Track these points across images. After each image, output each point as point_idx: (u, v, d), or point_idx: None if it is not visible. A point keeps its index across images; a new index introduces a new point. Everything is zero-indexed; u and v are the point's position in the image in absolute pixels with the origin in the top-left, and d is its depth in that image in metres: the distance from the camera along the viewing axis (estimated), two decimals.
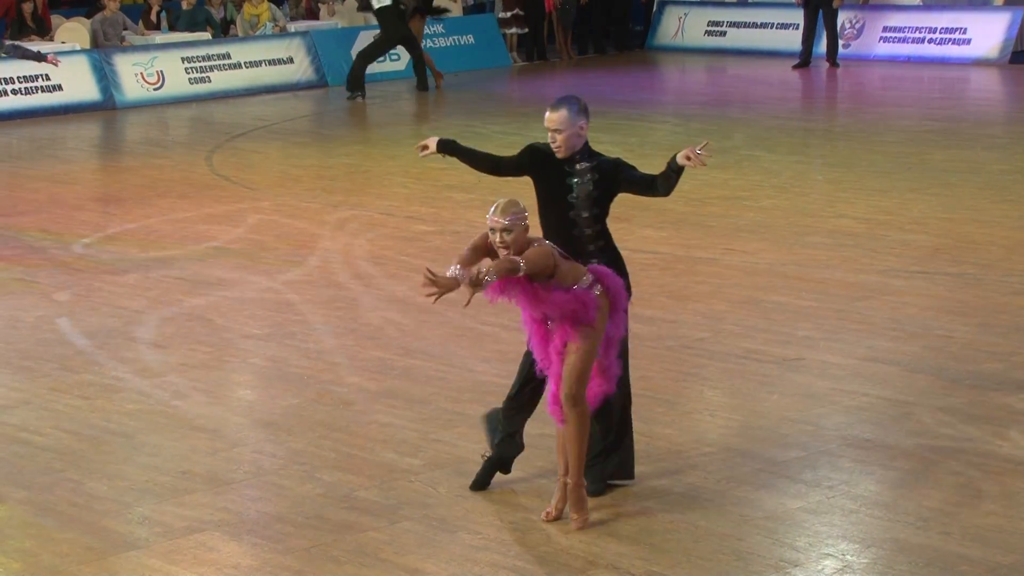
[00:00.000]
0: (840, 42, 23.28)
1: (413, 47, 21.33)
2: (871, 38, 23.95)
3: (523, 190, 7.15)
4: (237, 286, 10.73)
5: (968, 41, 23.10)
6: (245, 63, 21.75)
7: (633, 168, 6.85)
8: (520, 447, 6.91)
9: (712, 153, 6.82)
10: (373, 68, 21.57)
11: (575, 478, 6.42)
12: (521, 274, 6.20)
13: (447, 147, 7.07)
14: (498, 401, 7.26)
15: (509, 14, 24.82)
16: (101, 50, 20.90)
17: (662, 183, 6.71)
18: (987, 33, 23.06)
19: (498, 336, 9.36)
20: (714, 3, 26.03)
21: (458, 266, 6.20)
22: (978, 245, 11.46)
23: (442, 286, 6.09)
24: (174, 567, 6.09)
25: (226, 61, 21.62)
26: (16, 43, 13.55)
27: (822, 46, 23.06)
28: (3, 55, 13.44)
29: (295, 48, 22.32)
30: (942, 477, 6.93)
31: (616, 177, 6.79)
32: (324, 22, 23.89)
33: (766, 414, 7.88)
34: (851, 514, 6.56)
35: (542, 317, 6.48)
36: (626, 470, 6.90)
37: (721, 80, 23.35)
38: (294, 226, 12.71)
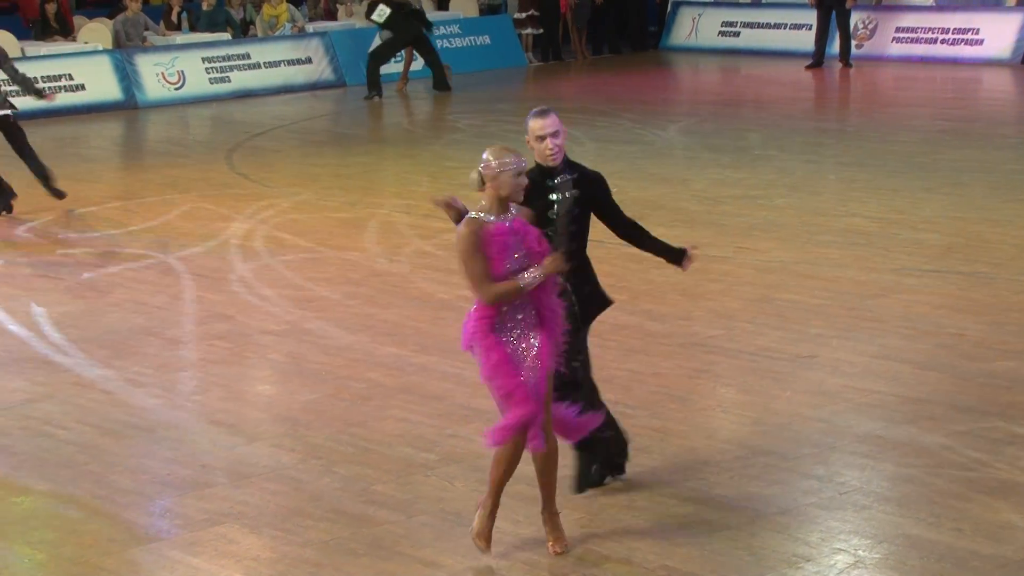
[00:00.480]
0: (853, 42, 23.23)
1: (425, 47, 21.31)
2: (884, 38, 23.89)
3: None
4: (255, 284, 10.76)
5: (981, 42, 23.04)
6: (264, 63, 21.80)
7: (612, 201, 6.59)
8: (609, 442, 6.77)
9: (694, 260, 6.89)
10: (388, 68, 21.58)
11: (550, 507, 6.19)
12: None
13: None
14: None
15: (524, 15, 24.82)
16: (123, 50, 20.95)
17: (652, 248, 6.76)
18: (999, 34, 22.99)
19: None
20: (728, 4, 25.99)
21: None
22: (990, 244, 11.43)
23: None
24: (195, 559, 6.12)
25: (245, 61, 21.67)
26: (26, 75, 13.62)
27: (835, 46, 23.01)
28: (12, 84, 13.60)
29: (313, 48, 22.35)
30: (954, 473, 6.92)
31: (596, 192, 6.47)
32: (342, 22, 23.92)
33: (779, 411, 7.88)
34: (863, 510, 6.55)
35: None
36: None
37: (735, 80, 23.32)
38: (311, 224, 12.73)
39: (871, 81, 22.06)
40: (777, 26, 25.07)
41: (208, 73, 21.24)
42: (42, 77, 19.70)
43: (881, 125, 17.66)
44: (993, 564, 5.96)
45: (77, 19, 22.23)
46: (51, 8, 21.34)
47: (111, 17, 21.95)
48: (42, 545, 6.42)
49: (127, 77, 20.50)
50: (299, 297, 10.36)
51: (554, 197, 6.38)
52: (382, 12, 20.68)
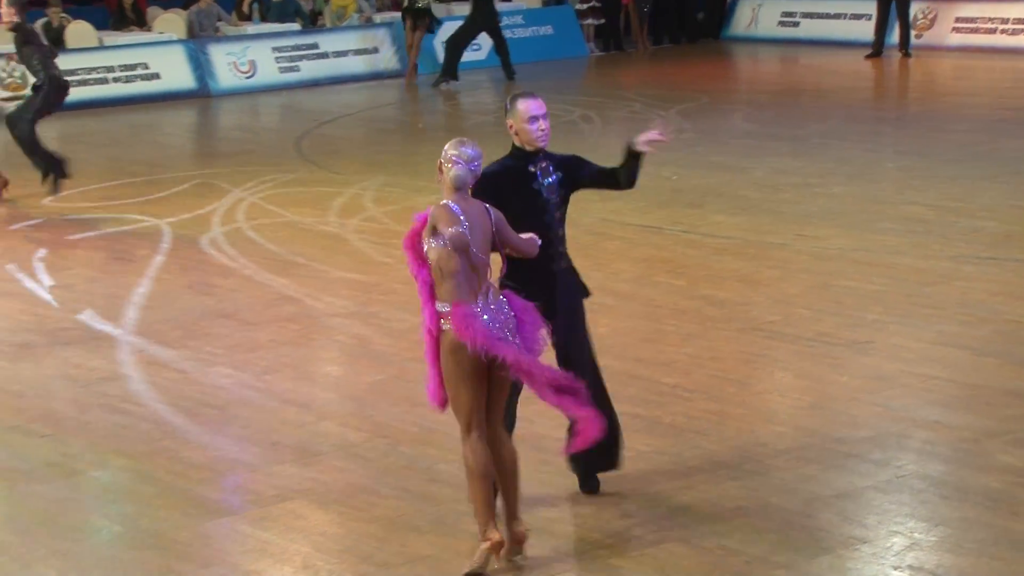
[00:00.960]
0: (912, 32, 22.98)
1: (498, 37, 21.34)
2: (943, 28, 23.61)
3: None
4: (324, 267, 10.82)
5: None
6: (332, 52, 21.88)
7: (591, 162, 6.40)
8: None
9: (673, 131, 6.54)
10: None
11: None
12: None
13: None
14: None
15: (586, 5, 24.75)
16: (196, 40, 21.11)
17: (624, 174, 6.32)
18: None
19: None
20: None
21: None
22: None
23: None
24: (264, 533, 6.18)
25: (314, 51, 21.76)
26: (44, 71, 13.37)
27: (894, 36, 22.77)
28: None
29: (380, 38, 22.40)
30: (1009, 458, 6.85)
31: (579, 172, 6.32)
32: None
33: (836, 395, 7.83)
34: (919, 493, 6.50)
35: None
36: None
37: (794, 69, 23.14)
38: (376, 209, 12.78)
39: (930, 70, 21.81)
40: (837, 16, 24.83)
41: (278, 63, 21.35)
42: (119, 66, 19.93)
43: (940, 114, 17.46)
44: None
45: (152, 10, 22.40)
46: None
47: (185, 8, 22.12)
48: (119, 518, 6.51)
49: (200, 66, 20.65)
50: (366, 282, 10.41)
51: (540, 182, 6.20)
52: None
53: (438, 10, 22.27)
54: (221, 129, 19.10)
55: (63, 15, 20.42)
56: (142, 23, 21.67)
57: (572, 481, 6.71)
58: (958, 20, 23.57)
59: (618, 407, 7.61)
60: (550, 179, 6.26)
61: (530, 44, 23.67)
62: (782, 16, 25.59)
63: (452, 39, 21.22)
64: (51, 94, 13.24)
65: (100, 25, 21.25)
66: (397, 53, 22.39)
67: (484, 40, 22.27)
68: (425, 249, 5.69)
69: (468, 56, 22.04)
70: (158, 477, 6.89)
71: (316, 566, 5.90)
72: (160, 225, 12.33)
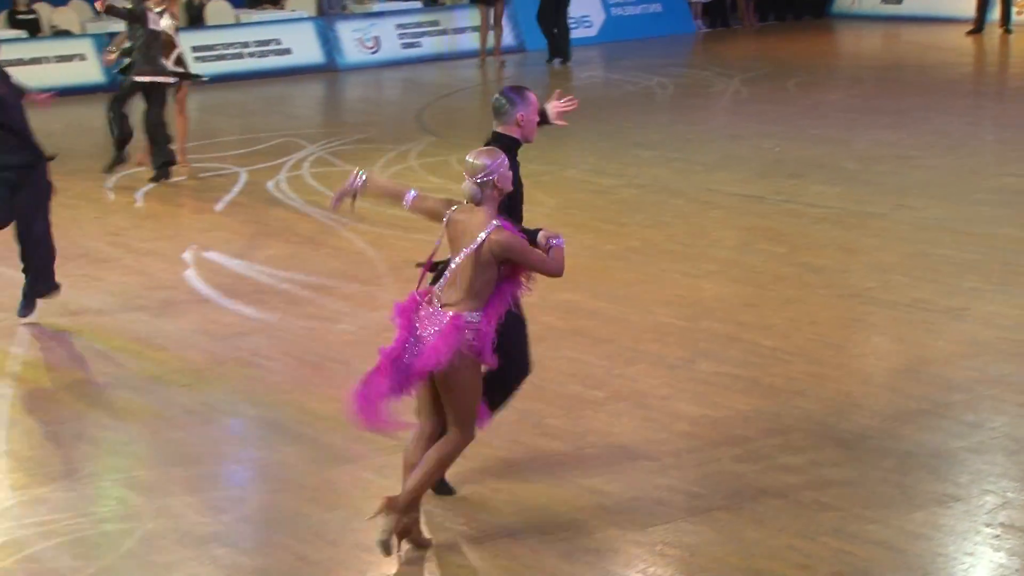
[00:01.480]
0: (1013, 9, 22.38)
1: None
2: None
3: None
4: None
5: None
6: (452, 29, 21.92)
7: None
8: None
9: (573, 100, 6.29)
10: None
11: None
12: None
13: None
14: (678, 342, 7.21)
15: None
16: (325, 17, 21.29)
17: None
18: None
19: (678, 282, 9.33)
20: None
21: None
22: None
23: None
24: (386, 480, 6.25)
25: (435, 28, 21.82)
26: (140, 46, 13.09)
27: (995, 13, 22.20)
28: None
29: (496, 15, 22.34)
30: None
31: None
32: None
33: (931, 359, 7.71)
34: (1012, 455, 6.38)
35: None
36: None
37: (896, 46, 22.69)
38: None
39: None
40: None
41: (401, 39, 21.46)
42: (253, 42, 20.18)
43: None
44: None
45: None
46: None
47: None
48: (251, 463, 6.64)
49: (329, 42, 20.82)
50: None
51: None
52: None
53: None
54: (347, 101, 19.25)
55: None
56: (275, 1, 21.90)
57: (679, 435, 6.70)
58: None
59: (719, 368, 7.61)
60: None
61: (639, 21, 23.49)
62: None
63: (539, 18, 20.96)
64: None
65: (237, 3, 21.53)
66: (513, 30, 22.34)
67: (596, 16, 22.11)
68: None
69: (578, 32, 21.94)
70: (287, 426, 7.00)
71: (432, 512, 5.96)
72: (294, 193, 12.46)
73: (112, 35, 14.74)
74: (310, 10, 21.57)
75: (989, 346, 7.85)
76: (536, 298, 9.00)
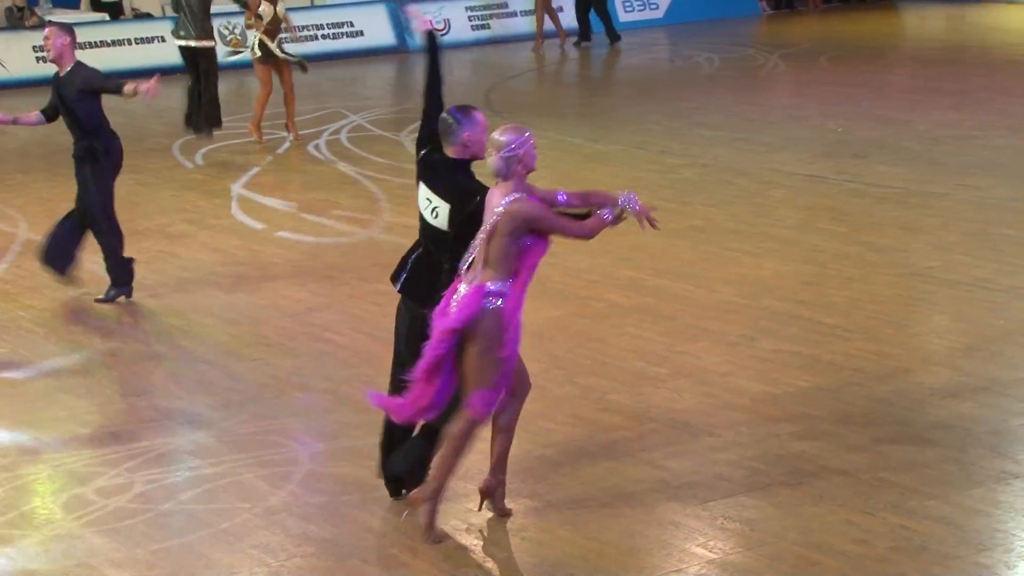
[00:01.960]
0: None
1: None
2: None
3: None
4: None
5: None
6: (520, 12, 21.84)
7: None
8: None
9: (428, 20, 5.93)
10: (631, 16, 21.29)
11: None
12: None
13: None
14: (739, 319, 7.12)
15: None
16: (397, 0, 21.29)
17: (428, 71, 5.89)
18: None
19: (739, 260, 9.24)
20: None
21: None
22: None
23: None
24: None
25: (503, 11, 21.74)
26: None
27: None
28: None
29: None
30: None
31: None
32: None
33: (992, 337, 7.57)
34: None
35: None
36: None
37: (960, 27, 22.30)
38: (557, 157, 12.75)
39: None
40: None
41: (470, 21, 21.42)
42: (327, 24, 20.24)
43: None
44: None
45: None
46: None
47: None
48: (320, 435, 6.66)
49: (400, 24, 20.83)
50: None
51: None
52: None
53: None
54: (418, 83, 19.22)
55: None
56: None
57: (739, 411, 6.64)
58: None
59: (780, 345, 7.53)
60: None
61: (705, 3, 23.25)
62: None
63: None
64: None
65: None
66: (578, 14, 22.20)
67: None
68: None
69: (645, 14, 21.78)
70: (355, 400, 7.01)
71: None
72: (364, 170, 12.49)
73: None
74: None
75: None
76: (599, 275, 9.02)
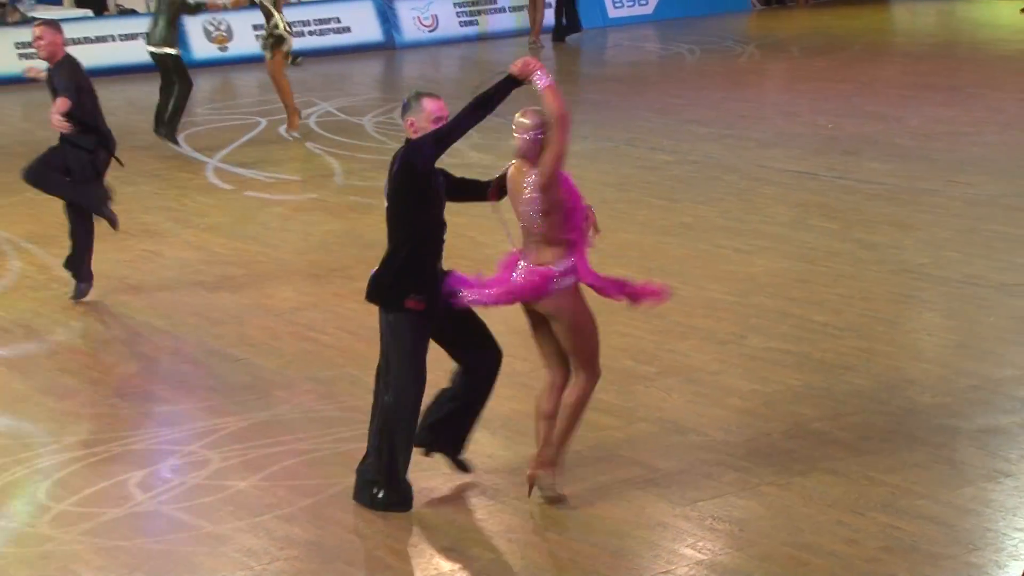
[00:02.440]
0: None
1: None
2: None
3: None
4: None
5: None
6: (509, 7, 21.80)
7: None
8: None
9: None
10: (620, 12, 21.29)
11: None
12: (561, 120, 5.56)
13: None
14: (729, 317, 7.10)
15: None
16: None
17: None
18: None
19: (729, 257, 9.22)
20: None
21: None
22: None
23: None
24: (436, 454, 6.21)
25: (492, 6, 21.71)
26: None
27: None
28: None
29: None
30: None
31: (447, 179, 5.94)
32: None
33: (983, 335, 7.57)
34: None
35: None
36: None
37: (950, 23, 22.32)
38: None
39: None
40: None
41: (459, 17, 21.38)
42: (313, 20, 20.18)
43: None
44: None
45: None
46: None
47: None
48: (306, 437, 6.61)
49: (387, 20, 20.79)
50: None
51: (437, 178, 5.82)
52: None
53: None
54: (405, 79, 19.20)
55: None
56: None
57: (729, 410, 6.62)
58: None
59: (770, 343, 7.51)
60: (440, 177, 5.81)
61: None
62: None
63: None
64: None
65: None
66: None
67: None
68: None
69: (634, 10, 21.75)
70: (340, 400, 6.98)
71: (484, 484, 5.92)
72: (348, 168, 12.45)
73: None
74: None
75: None
76: None
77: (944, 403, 6.62)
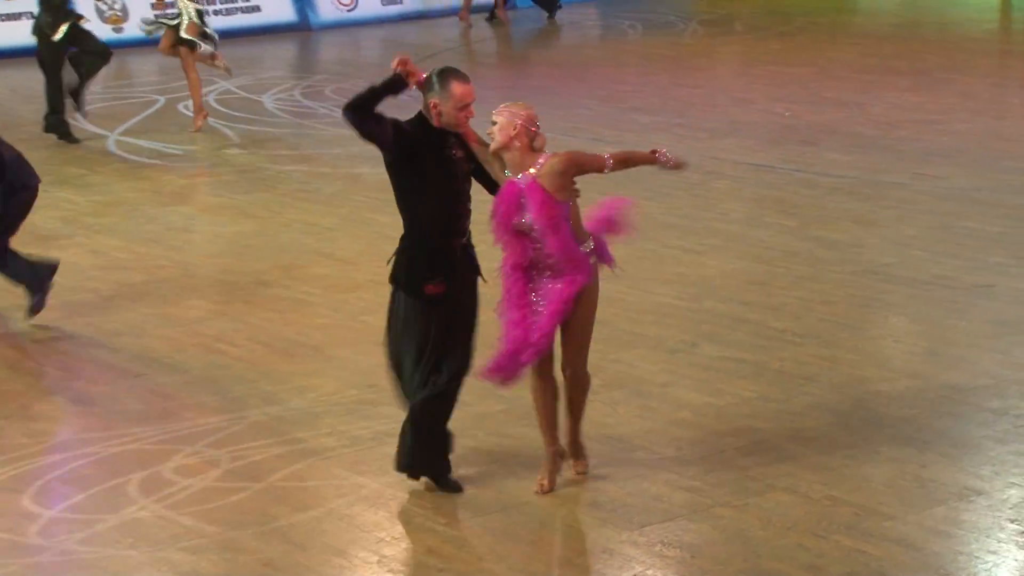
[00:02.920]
0: None
1: None
2: None
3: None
4: None
5: None
6: None
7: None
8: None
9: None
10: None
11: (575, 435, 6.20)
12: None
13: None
14: (679, 324, 7.15)
15: None
16: None
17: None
18: None
19: (679, 258, 9.29)
20: None
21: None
22: None
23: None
24: (360, 476, 6.22)
25: None
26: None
27: None
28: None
29: None
30: None
31: (473, 158, 6.02)
32: None
33: (954, 341, 7.68)
34: None
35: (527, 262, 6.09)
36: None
37: (915, 1, 22.63)
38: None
39: None
40: None
41: None
42: None
43: None
44: None
45: None
46: None
47: None
48: (217, 460, 6.57)
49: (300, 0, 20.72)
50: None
51: (452, 151, 5.92)
52: None
53: None
54: (322, 63, 19.14)
55: None
56: None
57: (679, 425, 6.67)
58: None
59: (724, 352, 7.58)
60: (458, 153, 5.93)
61: None
62: None
63: None
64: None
65: None
66: None
67: None
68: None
69: None
70: (253, 419, 6.95)
71: (410, 511, 5.93)
72: (264, 164, 12.41)
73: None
74: None
75: (1015, 326, 7.83)
76: None
77: (912, 415, 6.72)
